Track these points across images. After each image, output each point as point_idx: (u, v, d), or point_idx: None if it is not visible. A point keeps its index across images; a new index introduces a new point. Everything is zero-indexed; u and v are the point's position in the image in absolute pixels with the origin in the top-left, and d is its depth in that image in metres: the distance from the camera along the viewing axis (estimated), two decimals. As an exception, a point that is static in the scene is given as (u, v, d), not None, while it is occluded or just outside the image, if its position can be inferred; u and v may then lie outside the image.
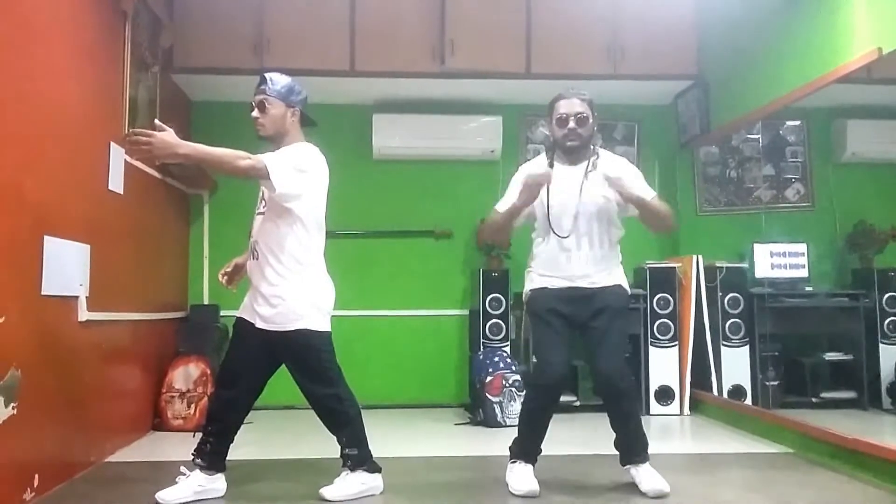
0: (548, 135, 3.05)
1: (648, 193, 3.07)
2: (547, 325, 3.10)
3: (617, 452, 3.17)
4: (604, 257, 3.10)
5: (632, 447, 3.13)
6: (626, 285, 3.18)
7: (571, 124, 3.04)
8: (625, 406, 3.10)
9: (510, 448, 3.21)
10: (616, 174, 3.02)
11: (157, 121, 2.74)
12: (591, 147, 3.13)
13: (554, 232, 3.07)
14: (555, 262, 3.10)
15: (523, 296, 3.25)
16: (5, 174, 2.69)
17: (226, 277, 3.14)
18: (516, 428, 3.22)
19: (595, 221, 3.07)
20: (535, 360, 3.24)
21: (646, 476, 3.05)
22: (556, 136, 3.10)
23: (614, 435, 3.16)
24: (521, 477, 3.08)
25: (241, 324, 2.98)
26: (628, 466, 3.13)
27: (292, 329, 2.87)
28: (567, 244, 3.06)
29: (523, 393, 4.72)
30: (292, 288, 2.88)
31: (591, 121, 3.07)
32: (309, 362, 2.95)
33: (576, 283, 3.07)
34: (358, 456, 2.98)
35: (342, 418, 2.98)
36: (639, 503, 2.97)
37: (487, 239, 3.24)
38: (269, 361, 2.98)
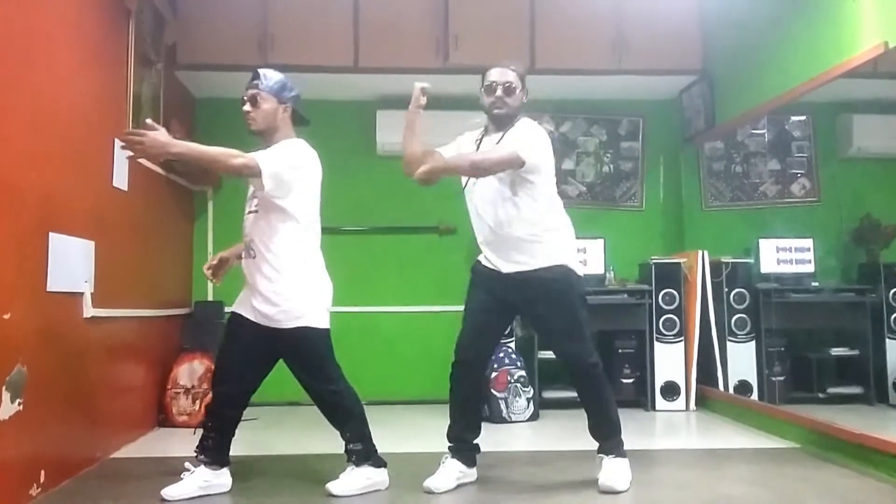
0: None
1: (500, 150, 2.99)
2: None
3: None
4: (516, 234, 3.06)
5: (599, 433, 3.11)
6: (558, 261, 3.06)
7: (499, 92, 3.06)
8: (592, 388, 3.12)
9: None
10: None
11: (148, 120, 2.75)
12: (516, 119, 3.12)
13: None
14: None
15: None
16: (10, 171, 2.69)
17: (210, 271, 3.13)
18: None
19: (497, 193, 3.04)
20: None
21: (604, 469, 3.01)
22: (484, 104, 3.12)
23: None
24: (438, 472, 3.03)
25: (237, 319, 2.98)
26: (599, 457, 3.07)
27: (292, 327, 2.88)
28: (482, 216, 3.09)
29: (528, 388, 4.74)
30: (291, 285, 2.88)
31: (518, 92, 3.08)
32: (309, 359, 2.95)
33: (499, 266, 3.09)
34: (363, 451, 2.98)
35: (344, 414, 2.99)
36: (643, 498, 2.96)
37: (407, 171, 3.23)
38: (266, 357, 2.98)
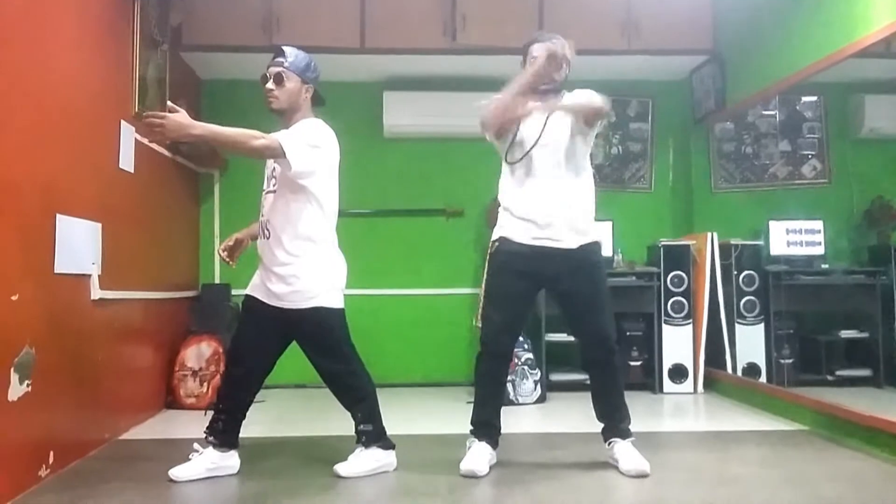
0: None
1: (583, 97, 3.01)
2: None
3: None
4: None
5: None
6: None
7: None
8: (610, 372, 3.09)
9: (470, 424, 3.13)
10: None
11: (169, 102, 2.72)
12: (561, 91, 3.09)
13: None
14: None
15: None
16: (17, 154, 2.68)
17: (226, 252, 3.10)
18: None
19: (570, 159, 3.01)
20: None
21: (625, 454, 2.99)
22: None
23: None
24: (472, 455, 2.99)
25: (252, 302, 2.97)
26: (611, 442, 3.05)
27: (308, 307, 2.87)
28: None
29: (535, 371, 4.73)
30: (307, 266, 2.87)
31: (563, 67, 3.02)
32: (325, 340, 2.95)
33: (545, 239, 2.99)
34: (372, 432, 2.98)
35: (357, 394, 2.99)
36: (651, 480, 2.96)
37: (491, 120, 3.14)
38: (280, 339, 2.97)
